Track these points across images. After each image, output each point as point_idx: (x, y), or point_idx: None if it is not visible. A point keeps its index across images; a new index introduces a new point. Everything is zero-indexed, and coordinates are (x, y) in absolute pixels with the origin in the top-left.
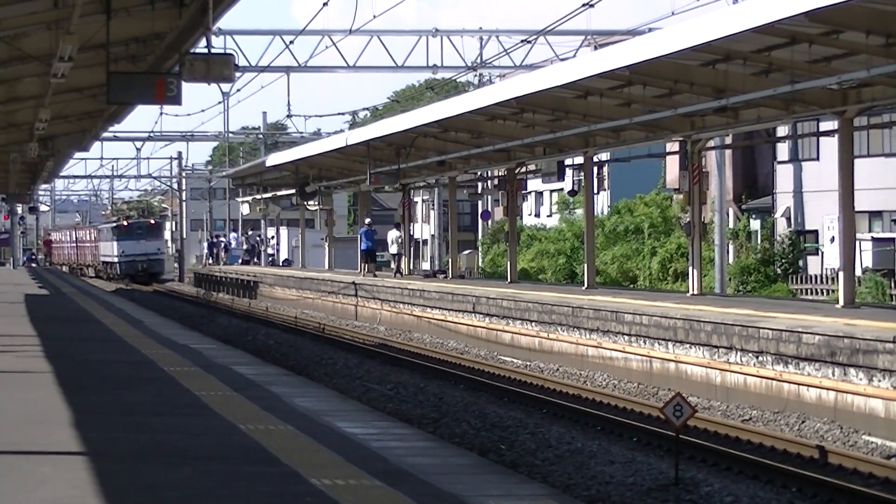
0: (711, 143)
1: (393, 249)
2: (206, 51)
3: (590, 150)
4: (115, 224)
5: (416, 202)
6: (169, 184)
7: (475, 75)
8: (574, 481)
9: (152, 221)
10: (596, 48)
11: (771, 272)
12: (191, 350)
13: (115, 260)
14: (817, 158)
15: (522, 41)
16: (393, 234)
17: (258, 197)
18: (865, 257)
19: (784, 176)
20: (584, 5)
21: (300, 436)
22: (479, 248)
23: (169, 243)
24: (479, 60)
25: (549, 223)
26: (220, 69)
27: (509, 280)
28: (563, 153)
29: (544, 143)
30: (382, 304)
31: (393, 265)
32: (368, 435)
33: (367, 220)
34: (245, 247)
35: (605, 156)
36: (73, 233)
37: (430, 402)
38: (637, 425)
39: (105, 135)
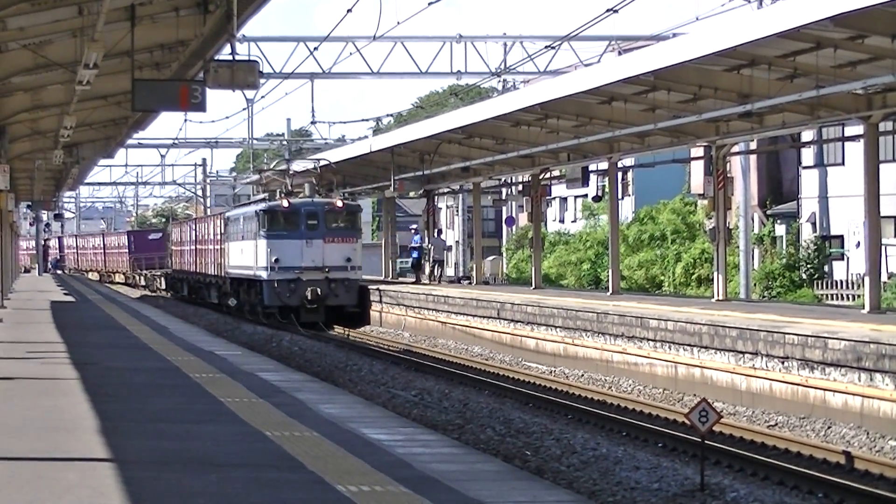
0: (736, 149)
1: (436, 255)
2: (230, 58)
3: (614, 156)
4: (263, 206)
5: (441, 208)
6: (193, 190)
7: (499, 81)
8: (599, 487)
9: (339, 203)
10: (620, 53)
11: (796, 277)
12: (216, 357)
13: (261, 275)
14: (843, 163)
15: (546, 47)
16: (438, 242)
17: None
18: (891, 262)
19: (809, 181)
20: (608, 10)
21: (326, 442)
22: (504, 254)
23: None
24: (503, 66)
25: (574, 229)
26: (245, 76)
27: (534, 286)
28: (588, 159)
29: (568, 149)
30: (407, 311)
31: (427, 271)
32: (394, 441)
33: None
34: None
35: (628, 161)
36: (193, 228)
37: (455, 408)
38: (662, 431)
39: (130, 142)
